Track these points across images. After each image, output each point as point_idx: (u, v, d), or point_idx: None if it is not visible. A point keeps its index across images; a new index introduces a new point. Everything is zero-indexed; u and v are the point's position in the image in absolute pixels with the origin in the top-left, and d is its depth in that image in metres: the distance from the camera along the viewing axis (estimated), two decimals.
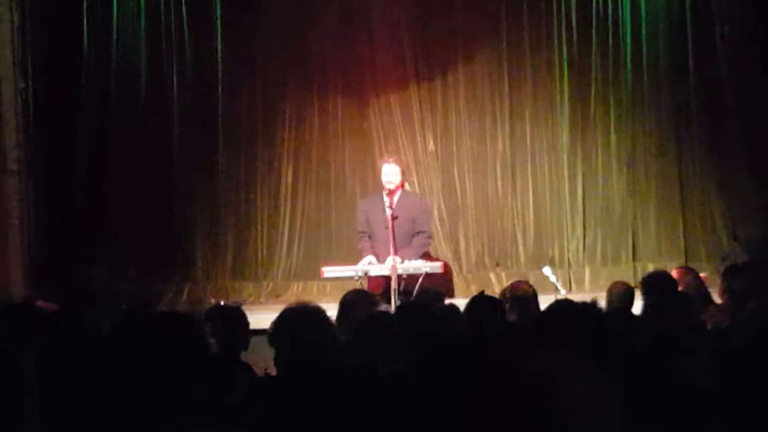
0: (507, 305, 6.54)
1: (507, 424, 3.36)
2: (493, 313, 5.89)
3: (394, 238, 9.26)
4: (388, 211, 9.38)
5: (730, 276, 7.21)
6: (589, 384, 3.33)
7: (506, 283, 9.31)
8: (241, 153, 13.16)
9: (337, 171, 13.08)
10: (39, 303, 7.33)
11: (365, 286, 9.41)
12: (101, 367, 4.55)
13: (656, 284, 6.80)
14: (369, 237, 9.81)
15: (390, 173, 9.64)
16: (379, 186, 10.13)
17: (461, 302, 6.52)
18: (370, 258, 9.49)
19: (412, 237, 9.57)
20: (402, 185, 9.80)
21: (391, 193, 9.56)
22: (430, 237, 9.83)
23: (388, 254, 9.39)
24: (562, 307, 4.98)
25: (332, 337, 4.81)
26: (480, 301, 6.07)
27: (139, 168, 12.93)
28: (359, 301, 5.89)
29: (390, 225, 9.27)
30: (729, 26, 12.65)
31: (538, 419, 3.29)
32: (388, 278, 9.25)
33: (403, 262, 9.24)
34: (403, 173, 9.85)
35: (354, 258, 9.94)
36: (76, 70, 12.73)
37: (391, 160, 9.80)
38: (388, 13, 13.00)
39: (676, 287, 7.04)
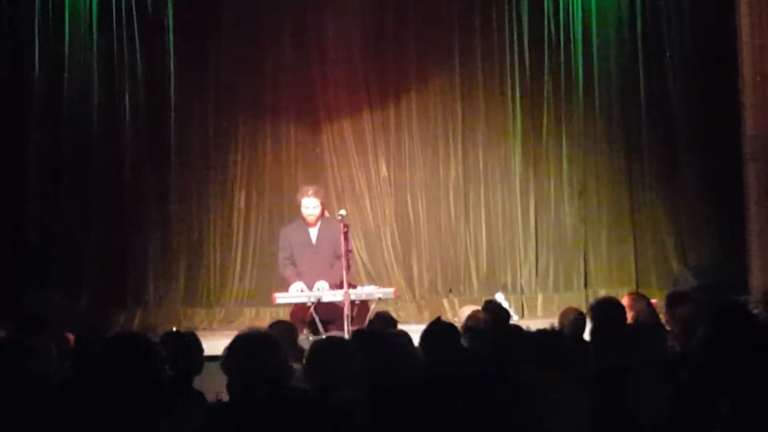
0: (462, 331, 6.55)
1: None
2: (449, 340, 5.90)
3: (348, 266, 9.44)
4: (314, 240, 9.85)
5: (674, 303, 7.27)
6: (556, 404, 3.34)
7: (459, 309, 9.38)
8: (193, 178, 13.11)
9: (290, 196, 12.98)
10: None
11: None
12: (51, 393, 4.51)
13: (604, 311, 6.82)
14: (293, 264, 9.93)
15: (310, 206, 9.85)
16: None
17: (411, 328, 6.54)
18: (300, 285, 9.62)
19: (335, 260, 9.70)
20: (322, 213, 9.94)
21: (311, 223, 9.80)
22: (351, 252, 9.94)
23: (314, 280, 9.64)
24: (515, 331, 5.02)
25: (285, 363, 4.79)
26: (436, 327, 6.07)
27: (90, 193, 12.85)
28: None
29: (344, 251, 9.37)
30: (680, 56, 12.81)
31: None
32: (309, 306, 9.41)
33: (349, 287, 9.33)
34: (322, 203, 9.96)
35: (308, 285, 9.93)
36: (28, 94, 12.66)
37: (310, 192, 9.91)
38: (340, 39, 13.04)
39: (624, 313, 7.07)
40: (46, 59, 12.75)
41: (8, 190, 12.40)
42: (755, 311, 7.12)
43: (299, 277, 9.77)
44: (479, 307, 7.81)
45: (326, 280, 9.64)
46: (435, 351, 5.72)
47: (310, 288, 9.60)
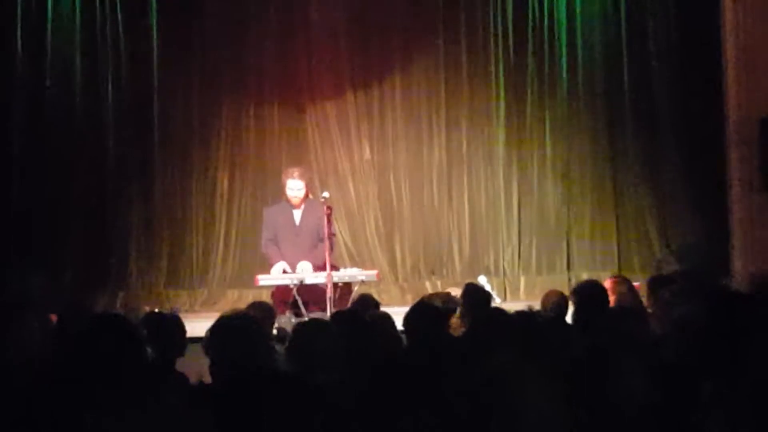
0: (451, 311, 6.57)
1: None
2: (433, 322, 5.90)
3: (332, 248, 9.39)
4: (297, 222, 9.82)
5: (656, 286, 7.28)
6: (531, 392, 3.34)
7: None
8: (176, 159, 13.07)
9: (273, 178, 12.99)
10: None
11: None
12: (32, 374, 4.50)
13: (586, 294, 6.83)
14: (275, 245, 9.93)
15: (295, 188, 9.81)
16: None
17: (394, 310, 6.54)
18: (283, 264, 9.61)
19: (318, 242, 9.71)
20: (307, 195, 9.93)
21: (296, 205, 9.79)
22: (334, 235, 9.94)
23: (296, 262, 9.62)
24: (497, 315, 5.03)
25: (267, 345, 4.80)
26: (420, 309, 6.07)
27: (73, 174, 12.81)
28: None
29: (327, 233, 9.38)
30: (664, 41, 12.82)
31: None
32: (292, 288, 9.37)
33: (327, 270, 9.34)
34: (307, 185, 9.94)
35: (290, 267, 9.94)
36: (10, 73, 12.61)
37: (295, 174, 9.87)
38: (324, 21, 13.01)
39: (606, 297, 7.09)
40: (28, 38, 12.68)
41: None
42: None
43: (282, 257, 9.76)
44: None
45: (309, 261, 9.63)
46: (418, 333, 5.72)
47: (293, 269, 9.60)
